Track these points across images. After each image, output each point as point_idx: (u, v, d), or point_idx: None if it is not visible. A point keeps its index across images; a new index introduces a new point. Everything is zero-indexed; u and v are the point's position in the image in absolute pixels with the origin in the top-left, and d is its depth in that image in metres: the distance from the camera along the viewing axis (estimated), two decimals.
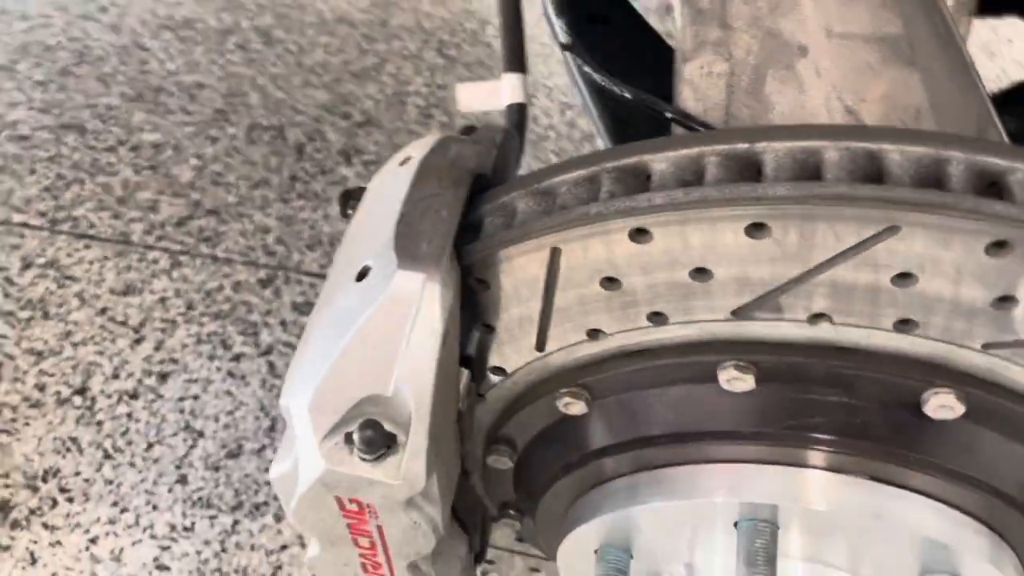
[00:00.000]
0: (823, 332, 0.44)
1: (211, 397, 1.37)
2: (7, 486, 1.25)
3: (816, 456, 0.46)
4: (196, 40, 2.05)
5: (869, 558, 0.49)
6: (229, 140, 1.80)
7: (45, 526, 1.22)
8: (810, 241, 0.40)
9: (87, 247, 1.59)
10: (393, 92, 1.92)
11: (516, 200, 0.45)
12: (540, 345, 0.48)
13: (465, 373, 0.49)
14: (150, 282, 1.53)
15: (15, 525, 1.22)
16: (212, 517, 1.23)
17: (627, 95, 0.54)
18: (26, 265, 1.56)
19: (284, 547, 1.21)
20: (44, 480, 1.27)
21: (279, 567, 1.19)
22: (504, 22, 0.59)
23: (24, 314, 1.48)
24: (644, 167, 0.42)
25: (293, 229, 1.64)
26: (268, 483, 1.26)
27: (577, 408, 0.50)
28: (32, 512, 1.23)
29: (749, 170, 0.41)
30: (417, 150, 0.47)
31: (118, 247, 1.59)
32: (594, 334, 0.48)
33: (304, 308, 1.50)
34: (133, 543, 1.21)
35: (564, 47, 0.58)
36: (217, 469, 1.29)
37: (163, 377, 1.40)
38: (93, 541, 1.21)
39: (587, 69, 0.55)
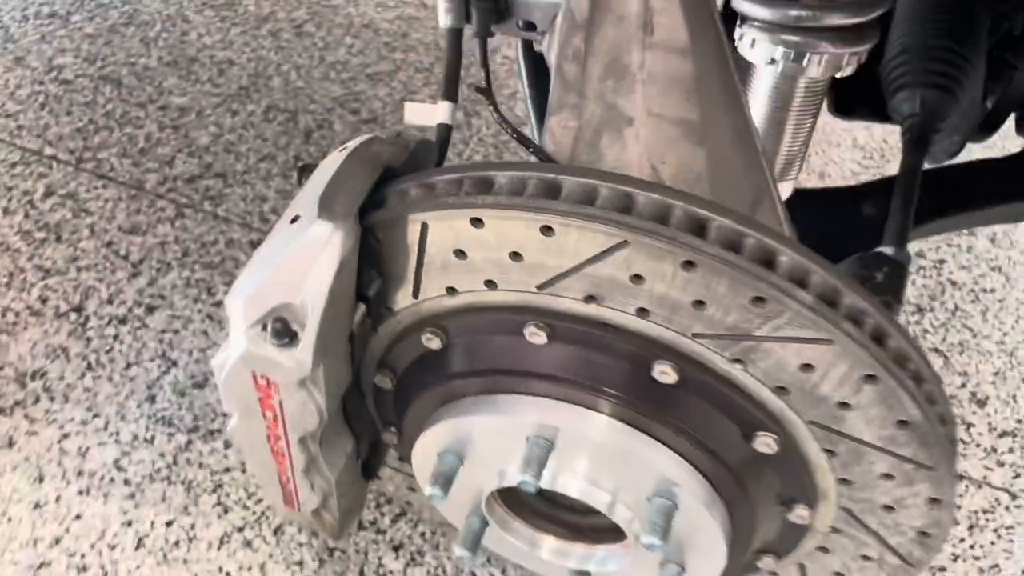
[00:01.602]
0: (592, 310, 0.62)
1: (189, 334, 1.51)
2: (0, 377, 1.40)
3: (586, 398, 0.64)
4: (235, 21, 2.22)
5: (615, 477, 0.66)
6: (247, 115, 1.96)
7: (26, 417, 1.37)
8: (578, 245, 0.58)
9: (105, 187, 1.75)
10: (400, 97, 2.08)
11: (409, 187, 0.63)
12: (415, 293, 0.67)
13: (361, 307, 0.67)
14: (155, 226, 1.68)
15: (0, 412, 1.37)
16: (170, 434, 1.37)
17: (513, 135, 0.72)
18: (48, 193, 1.72)
19: (227, 470, 1.34)
20: (32, 379, 1.42)
21: (220, 485, 1.32)
22: (447, 60, 0.78)
23: (40, 235, 1.64)
24: (491, 179, 0.60)
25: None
26: (224, 413, 1.42)
27: (435, 344, 0.69)
28: (16, 403, 1.38)
29: (552, 192, 0.59)
30: (354, 143, 0.66)
31: (132, 191, 1.75)
32: (451, 291, 0.66)
33: None
34: (99, 444, 1.35)
35: (478, 90, 0.77)
36: (183, 395, 1.43)
37: (151, 310, 1.54)
38: (65, 436, 1.35)
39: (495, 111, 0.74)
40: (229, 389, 0.67)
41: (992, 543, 1.39)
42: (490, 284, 0.64)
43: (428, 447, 0.71)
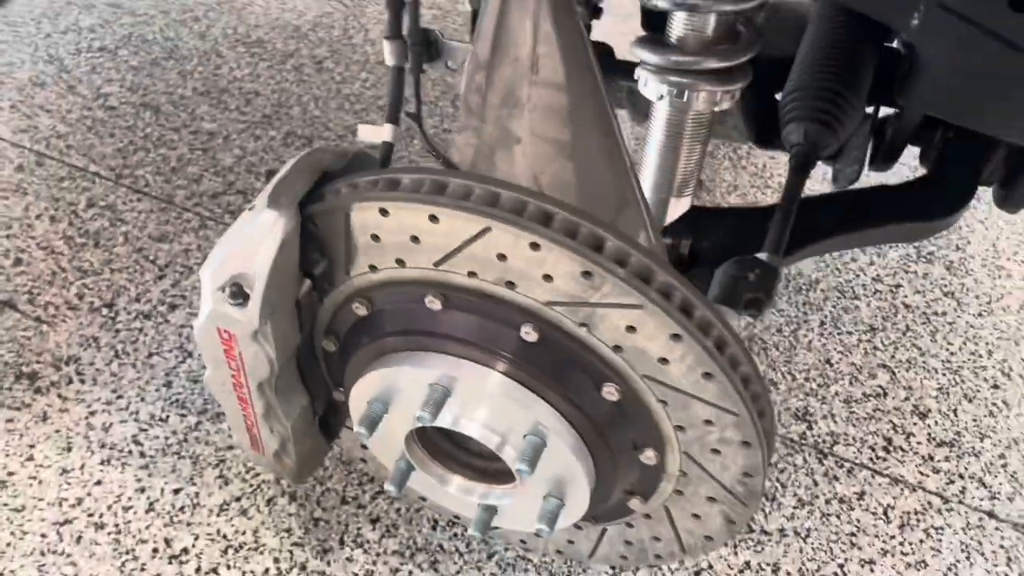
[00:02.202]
0: (474, 282, 0.79)
1: None
2: (39, 362, 1.59)
3: (474, 353, 0.81)
4: (263, 56, 2.44)
5: (499, 420, 0.83)
6: (268, 140, 2.16)
7: (59, 396, 1.54)
8: (457, 230, 0.76)
9: (139, 200, 1.95)
10: (407, 128, 2.27)
11: (340, 186, 0.82)
12: (347, 271, 0.85)
13: (307, 282, 0.86)
14: (180, 236, 1.88)
15: (37, 391, 1.55)
16: (182, 415, 1.54)
17: (431, 150, 0.91)
18: (90, 204, 1.93)
19: (230, 447, 1.50)
20: (66, 364, 1.59)
21: (222, 460, 1.48)
22: (391, 92, 0.97)
23: (80, 240, 1.84)
24: (399, 180, 0.78)
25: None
26: None
27: (363, 311, 0.86)
28: (52, 384, 1.56)
29: (440, 189, 0.77)
30: (303, 152, 0.84)
31: (163, 205, 1.94)
32: (372, 268, 0.83)
33: None
34: (120, 421, 1.52)
35: (408, 115, 0.96)
36: (195, 382, 1.59)
37: (172, 307, 1.72)
38: (92, 414, 1.52)
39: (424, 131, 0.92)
40: (202, 344, 0.86)
41: (921, 541, 1.51)
42: (400, 262, 0.81)
43: (360, 397, 0.88)
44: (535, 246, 0.73)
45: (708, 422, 0.80)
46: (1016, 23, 0.86)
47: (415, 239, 0.79)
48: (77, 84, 2.28)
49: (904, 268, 2.02)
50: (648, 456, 0.85)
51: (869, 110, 1.23)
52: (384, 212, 0.78)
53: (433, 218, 0.76)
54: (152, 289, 1.76)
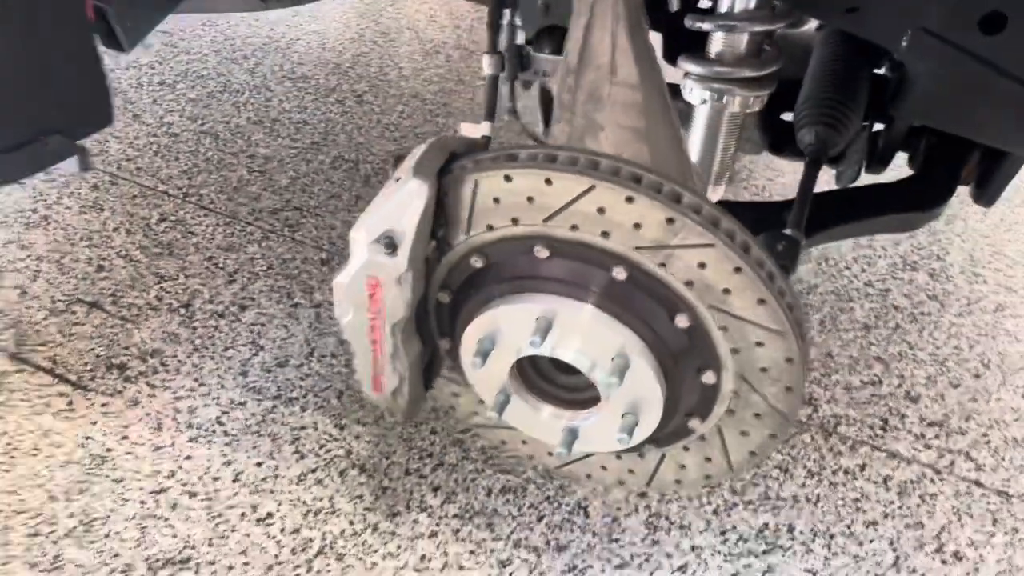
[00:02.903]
0: (575, 234, 1.00)
1: (272, 327, 1.86)
2: (126, 354, 1.77)
3: (574, 291, 1.01)
4: (308, 91, 2.66)
5: (591, 346, 1.03)
6: (318, 163, 2.37)
7: (148, 384, 1.71)
8: (566, 190, 0.97)
9: (206, 215, 2.14)
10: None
11: (465, 161, 1.03)
12: (467, 231, 1.06)
13: (432, 242, 1.07)
14: (245, 246, 2.07)
15: (127, 380, 1.72)
16: (258, 400, 1.70)
17: (532, 138, 1.13)
18: (162, 219, 2.12)
19: (303, 427, 1.67)
20: (152, 356, 1.77)
21: (297, 438, 1.65)
22: (487, 96, 1.19)
23: (156, 250, 2.03)
24: (516, 154, 1.00)
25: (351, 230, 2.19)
26: (301, 386, 1.76)
27: (480, 264, 1.07)
28: (140, 374, 1.73)
29: (552, 159, 0.98)
30: (432, 139, 1.06)
31: (227, 219, 2.14)
32: (489, 227, 1.04)
33: None
34: (204, 405, 1.69)
35: (511, 112, 1.19)
36: (268, 372, 1.76)
37: (243, 308, 1.90)
38: (178, 399, 1.69)
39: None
40: (348, 292, 1.06)
41: (917, 506, 1.70)
42: (515, 221, 1.03)
43: (472, 336, 1.09)
44: (630, 199, 0.95)
45: (759, 343, 1.01)
46: (987, 44, 1.08)
47: (530, 199, 1.00)
48: (142, 114, 2.49)
49: (892, 275, 2.25)
50: (708, 377, 1.06)
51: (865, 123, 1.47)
52: (508, 178, 0.99)
53: (548, 181, 0.97)
54: (224, 292, 1.94)
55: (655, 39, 1.16)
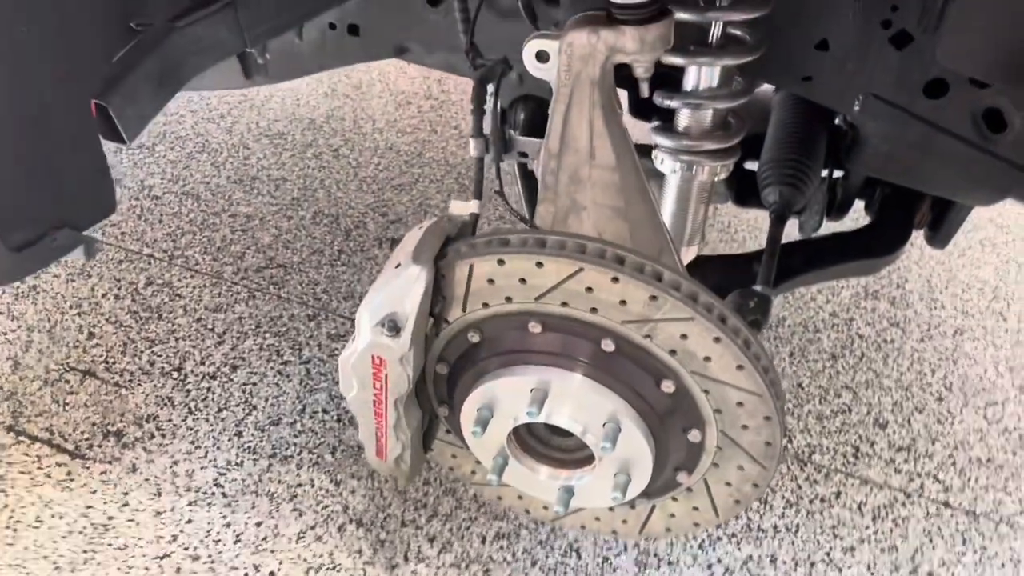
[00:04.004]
0: (566, 310, 1.07)
1: (264, 386, 1.91)
2: (122, 421, 1.80)
3: (566, 363, 1.08)
4: (285, 147, 2.71)
5: (584, 413, 1.11)
6: (299, 219, 2.42)
7: (144, 449, 1.75)
8: (556, 272, 1.05)
9: (192, 276, 2.18)
10: (419, 203, 2.54)
11: (460, 245, 1.11)
12: (463, 309, 1.13)
13: (431, 319, 1.14)
14: (233, 306, 2.11)
15: (124, 446, 1.75)
16: (255, 459, 1.75)
17: (518, 217, 1.21)
18: (149, 283, 2.16)
19: (300, 485, 1.71)
20: (147, 421, 1.80)
21: (295, 496, 1.69)
22: (476, 175, 1.27)
23: (145, 314, 2.06)
24: (508, 239, 1.07)
25: (335, 285, 2.21)
26: (295, 443, 1.81)
27: (476, 339, 1.14)
28: (136, 440, 1.77)
29: (542, 244, 1.06)
30: (427, 223, 1.13)
31: (214, 280, 2.18)
32: (485, 305, 1.11)
33: (336, 337, 2.04)
34: (201, 468, 1.72)
35: (496, 192, 1.27)
36: (263, 431, 1.80)
37: (234, 368, 1.94)
38: (175, 463, 1.73)
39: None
40: (354, 370, 1.12)
41: (891, 530, 1.79)
42: (508, 299, 1.10)
43: (470, 406, 1.16)
44: (615, 280, 1.03)
45: (739, 404, 1.09)
46: (931, 106, 1.18)
47: (523, 280, 1.08)
48: (123, 178, 2.52)
49: (855, 304, 2.36)
50: (694, 435, 1.14)
51: (824, 173, 1.57)
52: (501, 262, 1.06)
53: (539, 264, 1.05)
54: (214, 353, 1.99)
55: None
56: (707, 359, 1.06)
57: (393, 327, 1.06)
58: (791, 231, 1.66)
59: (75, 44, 1.07)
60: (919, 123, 1.21)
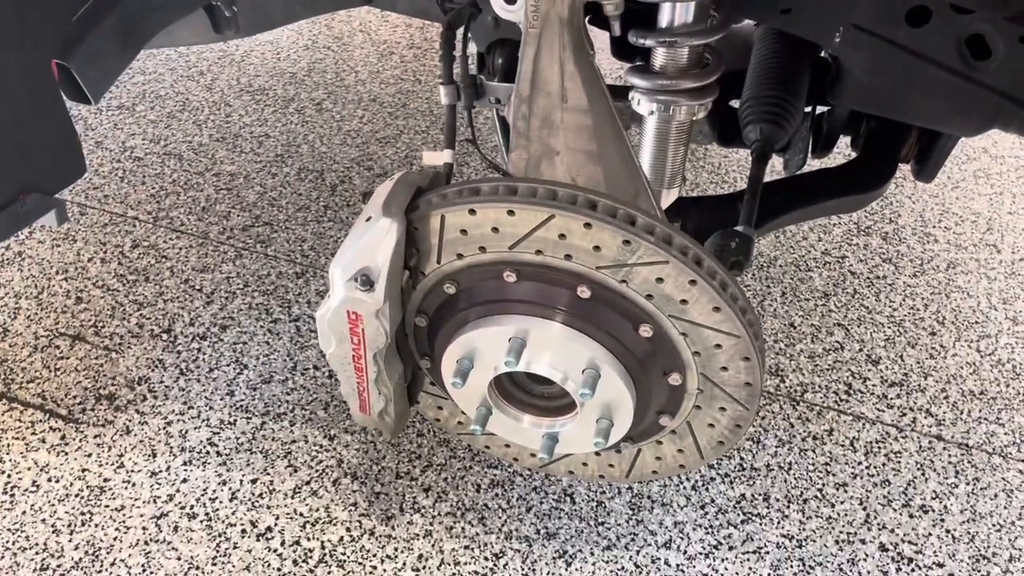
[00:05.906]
0: (540, 258, 1.06)
1: (255, 344, 1.91)
2: (113, 384, 1.81)
3: (543, 311, 1.08)
4: (267, 103, 2.68)
5: (563, 361, 1.10)
6: (284, 176, 2.40)
7: (138, 411, 1.75)
8: (528, 219, 1.03)
9: (178, 238, 2.17)
10: (404, 155, 2.52)
11: (431, 196, 1.09)
12: (438, 260, 1.12)
13: (406, 272, 1.13)
14: (220, 266, 2.10)
15: (117, 409, 1.76)
16: (247, 418, 1.76)
17: (490, 165, 1.19)
18: (135, 245, 2.15)
19: (294, 441, 1.72)
20: (139, 384, 1.80)
21: (289, 452, 1.70)
22: (447, 124, 1.25)
23: (132, 277, 2.05)
24: (479, 187, 1.06)
25: (322, 241, 2.20)
26: (288, 400, 1.82)
27: (452, 290, 1.13)
28: (129, 402, 1.77)
29: (513, 192, 1.04)
30: (397, 175, 1.11)
31: (200, 240, 2.17)
32: (459, 256, 1.10)
33: (325, 294, 2.00)
34: (195, 428, 1.73)
35: (468, 140, 1.25)
36: (254, 389, 1.81)
37: (224, 328, 1.94)
38: (168, 424, 1.74)
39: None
40: (331, 326, 1.12)
41: (883, 464, 1.80)
42: (482, 249, 1.09)
43: (450, 358, 1.15)
44: (588, 225, 1.01)
45: (717, 345, 1.09)
46: (914, 35, 1.15)
47: (495, 229, 1.06)
48: (104, 140, 2.50)
49: (848, 241, 2.34)
50: (674, 378, 1.13)
51: (808, 109, 1.54)
52: (472, 212, 1.05)
53: (510, 212, 1.03)
54: (203, 314, 1.99)
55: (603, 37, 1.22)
56: (684, 302, 1.05)
57: (367, 281, 1.04)
58: (777, 169, 1.64)
59: (29, 5, 1.05)
60: (902, 53, 1.19)
